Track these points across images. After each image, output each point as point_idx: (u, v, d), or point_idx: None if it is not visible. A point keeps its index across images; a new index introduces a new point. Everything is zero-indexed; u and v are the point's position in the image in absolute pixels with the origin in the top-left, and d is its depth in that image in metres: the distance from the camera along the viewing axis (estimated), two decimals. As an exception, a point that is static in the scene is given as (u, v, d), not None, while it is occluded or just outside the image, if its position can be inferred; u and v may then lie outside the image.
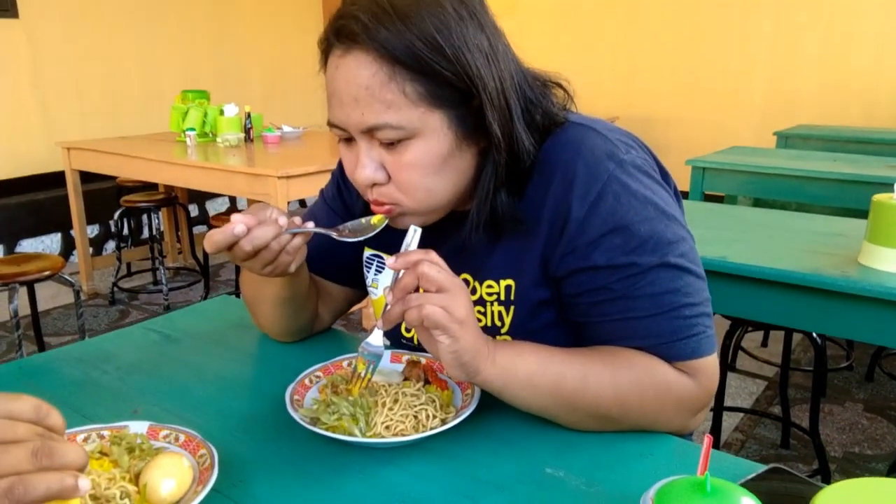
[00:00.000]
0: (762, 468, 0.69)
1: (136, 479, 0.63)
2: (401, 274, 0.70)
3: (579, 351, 0.79)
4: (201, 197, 5.01)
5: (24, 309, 2.68)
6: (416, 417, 0.76)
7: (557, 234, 0.79)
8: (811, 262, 1.47)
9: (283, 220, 0.78)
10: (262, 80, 5.52)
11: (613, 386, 0.76)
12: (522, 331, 0.84)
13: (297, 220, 0.81)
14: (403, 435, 0.73)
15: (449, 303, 0.68)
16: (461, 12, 0.73)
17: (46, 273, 2.41)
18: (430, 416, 0.76)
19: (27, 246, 4.25)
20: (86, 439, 0.70)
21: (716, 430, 2.16)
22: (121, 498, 0.60)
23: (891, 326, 1.39)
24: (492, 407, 0.80)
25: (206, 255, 3.44)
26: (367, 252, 0.98)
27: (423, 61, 0.71)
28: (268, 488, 0.69)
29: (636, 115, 5.36)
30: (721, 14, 5.14)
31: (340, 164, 1.01)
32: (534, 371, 0.75)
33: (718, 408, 2.14)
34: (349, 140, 0.78)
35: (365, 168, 0.76)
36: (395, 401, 0.77)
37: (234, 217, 0.76)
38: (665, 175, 0.86)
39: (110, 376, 0.94)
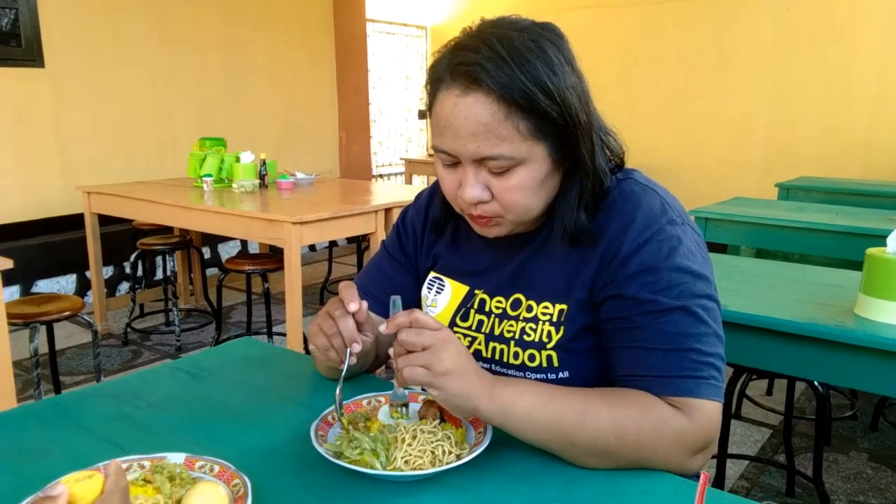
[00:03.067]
0: (756, 504, 0.74)
1: (177, 504, 0.69)
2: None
3: (580, 390, 0.86)
4: (213, 240, 5.10)
5: (41, 347, 2.74)
6: (433, 453, 0.81)
7: (606, 265, 0.90)
8: (808, 312, 1.53)
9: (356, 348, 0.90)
10: (274, 128, 5.67)
11: (612, 422, 0.82)
12: (565, 350, 0.93)
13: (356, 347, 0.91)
14: (421, 469, 0.79)
15: (430, 360, 0.78)
16: (559, 58, 0.85)
17: (66, 313, 2.48)
18: (446, 451, 0.81)
19: (43, 286, 4.33)
20: (128, 468, 0.76)
21: (720, 476, 2.18)
22: (166, 521, 0.66)
23: (889, 376, 1.44)
24: (504, 444, 0.86)
25: (218, 296, 3.50)
26: (432, 275, 1.08)
27: (535, 102, 0.82)
28: (295, 517, 0.74)
29: (640, 165, 5.44)
30: (722, 67, 5.30)
31: (402, 216, 1.14)
32: (532, 408, 0.82)
33: (722, 454, 2.17)
34: (454, 164, 0.89)
35: (473, 189, 0.88)
36: (414, 437, 0.82)
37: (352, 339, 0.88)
38: None
39: (143, 412, 1.00)
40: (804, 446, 2.63)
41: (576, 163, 0.90)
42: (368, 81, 6.42)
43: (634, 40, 5.69)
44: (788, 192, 3.91)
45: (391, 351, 0.83)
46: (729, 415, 2.25)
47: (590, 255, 0.92)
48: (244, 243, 5.31)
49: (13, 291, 4.18)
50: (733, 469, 2.47)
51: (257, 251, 5.05)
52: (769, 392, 3.12)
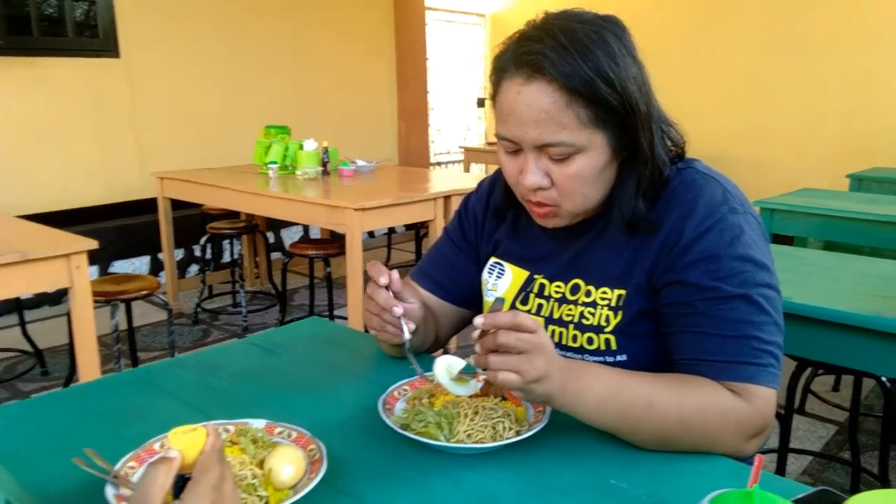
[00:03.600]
0: (811, 489, 0.75)
1: (260, 464, 0.75)
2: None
3: (645, 379, 0.88)
4: (277, 225, 5.26)
5: (121, 324, 2.90)
6: (493, 428, 0.85)
7: (666, 253, 0.92)
8: (877, 306, 1.50)
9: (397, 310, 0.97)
10: (336, 116, 5.79)
11: (678, 411, 0.84)
12: (623, 333, 0.96)
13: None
14: (483, 443, 0.83)
15: (524, 367, 0.79)
16: (621, 49, 0.88)
17: (144, 292, 2.63)
18: (507, 427, 0.85)
19: (119, 267, 4.56)
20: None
21: (780, 470, 2.15)
22: (252, 478, 0.72)
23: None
24: (562, 423, 0.89)
25: (283, 280, 3.63)
26: (493, 260, 1.12)
27: (596, 91, 0.85)
28: (366, 482, 0.79)
29: (705, 155, 5.33)
30: (792, 53, 5.12)
31: (464, 202, 1.19)
32: (601, 400, 0.84)
33: (784, 448, 2.14)
34: (516, 152, 0.93)
35: (533, 175, 0.91)
36: (476, 413, 0.87)
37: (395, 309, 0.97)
38: None
39: (223, 382, 1.07)
40: (870, 444, 2.56)
41: (635, 152, 0.92)
42: (427, 70, 6.47)
43: (700, 26, 5.56)
44: (860, 183, 3.77)
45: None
46: (791, 409, 2.22)
47: (649, 242, 0.94)
48: (306, 228, 5.45)
49: (92, 271, 4.42)
50: (796, 464, 2.43)
51: (318, 236, 5.19)
52: (836, 388, 3.05)
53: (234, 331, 3.83)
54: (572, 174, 0.90)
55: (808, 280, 1.73)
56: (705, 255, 0.89)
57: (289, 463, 0.74)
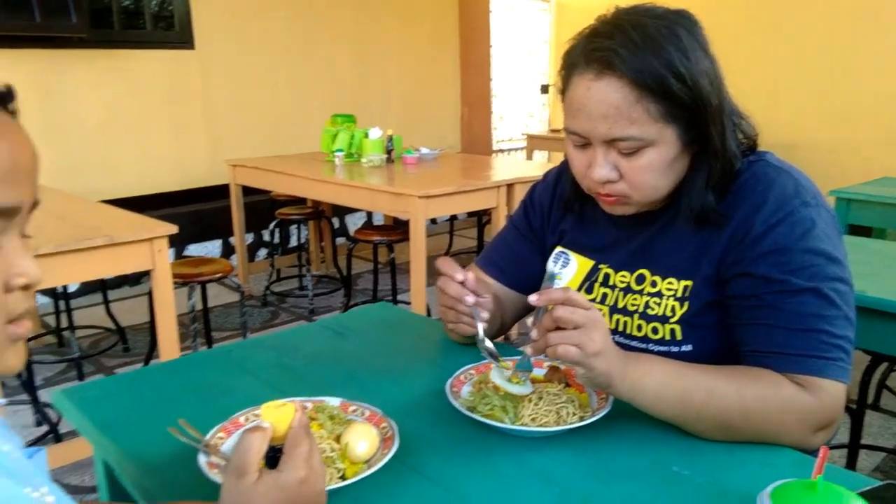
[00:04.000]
0: (878, 483, 0.75)
1: (337, 439, 0.80)
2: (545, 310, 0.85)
3: (706, 368, 0.89)
4: (341, 211, 5.38)
5: (196, 305, 3.04)
6: (557, 413, 0.88)
7: (735, 245, 0.92)
8: (957, 300, 1.45)
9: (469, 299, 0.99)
10: (399, 104, 5.86)
11: (738, 400, 0.85)
12: (689, 324, 0.96)
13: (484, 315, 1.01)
14: (547, 427, 0.86)
15: (582, 339, 0.81)
16: (692, 43, 0.89)
17: (218, 275, 2.75)
18: (570, 413, 0.88)
19: (193, 250, 4.76)
20: (293, 408, 0.89)
21: (851, 466, 2.10)
22: (330, 451, 0.77)
23: None
24: (625, 410, 0.91)
25: (348, 264, 3.72)
26: (558, 249, 1.14)
27: (667, 87, 0.86)
28: (436, 460, 0.84)
29: (778, 142, 5.17)
30: (876, 36, 4.88)
31: (531, 192, 1.21)
32: (661, 387, 0.86)
33: (855, 444, 2.09)
34: (584, 145, 0.94)
35: (602, 168, 0.92)
36: (540, 398, 0.90)
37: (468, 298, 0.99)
38: None
39: (298, 363, 1.13)
40: (949, 444, 2.46)
41: (705, 145, 0.92)
42: (490, 57, 6.45)
43: (777, 7, 5.35)
44: (946, 171, 3.58)
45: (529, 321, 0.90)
46: (864, 404, 2.15)
47: (718, 234, 0.94)
48: (369, 214, 5.55)
49: (169, 254, 4.63)
50: (867, 461, 2.36)
51: (382, 222, 5.28)
52: (912, 385, 2.93)
53: (301, 313, 3.95)
54: (641, 167, 0.91)
55: (884, 273, 1.68)
56: (775, 247, 0.89)
57: (363, 439, 0.79)
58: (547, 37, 7.40)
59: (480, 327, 0.99)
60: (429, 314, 3.33)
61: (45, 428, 2.54)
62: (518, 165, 4.30)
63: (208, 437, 0.82)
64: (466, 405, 0.91)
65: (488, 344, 0.99)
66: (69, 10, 3.94)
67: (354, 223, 5.53)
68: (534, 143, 6.32)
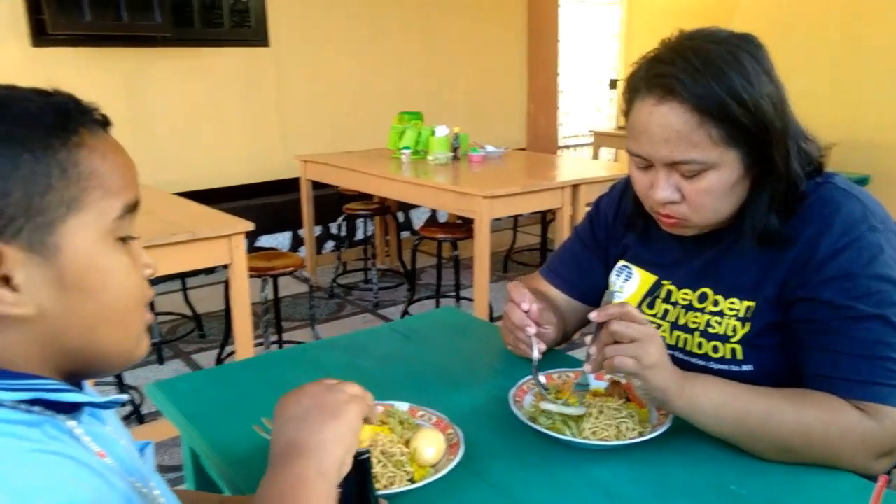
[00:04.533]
0: (941, 515, 0.75)
1: (406, 443, 0.86)
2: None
3: (765, 389, 0.90)
4: (407, 205, 5.47)
5: (267, 296, 3.18)
6: (617, 428, 0.91)
7: (800, 268, 0.93)
8: None
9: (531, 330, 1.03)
10: (466, 100, 5.89)
11: (797, 422, 0.86)
12: (750, 345, 0.98)
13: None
14: (607, 440, 0.89)
15: (638, 352, 0.85)
16: (755, 68, 0.90)
17: (290, 269, 2.87)
18: (630, 428, 0.91)
19: (264, 241, 4.94)
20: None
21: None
22: (400, 455, 0.83)
23: None
24: (684, 427, 0.93)
25: (413, 260, 3.80)
26: (621, 263, 1.17)
27: (728, 112, 0.88)
28: (499, 468, 0.88)
29: (859, 142, 4.97)
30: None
31: (596, 204, 1.24)
32: (718, 405, 0.88)
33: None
34: (646, 167, 0.97)
35: (664, 190, 0.95)
36: (601, 412, 0.93)
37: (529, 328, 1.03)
38: None
39: (369, 364, 1.20)
40: None
41: (768, 168, 0.93)
42: (558, 52, 6.41)
43: (856, 27, 5.11)
44: None
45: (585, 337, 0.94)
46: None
47: (782, 255, 0.95)
48: (433, 209, 5.63)
49: (242, 245, 4.82)
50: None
51: (446, 217, 5.34)
52: None
53: (366, 306, 4.06)
54: (703, 189, 0.92)
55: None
56: (840, 273, 0.89)
57: (431, 445, 0.84)
58: (616, 31, 7.29)
59: (535, 358, 1.02)
60: (491, 312, 3.38)
61: (129, 409, 2.71)
62: (584, 165, 4.28)
63: (289, 435, 0.89)
64: (528, 415, 0.95)
65: (541, 378, 1.03)
66: (154, 10, 4.15)
67: (419, 217, 5.61)
68: (601, 139, 6.26)
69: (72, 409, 0.57)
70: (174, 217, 2.44)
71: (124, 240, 0.59)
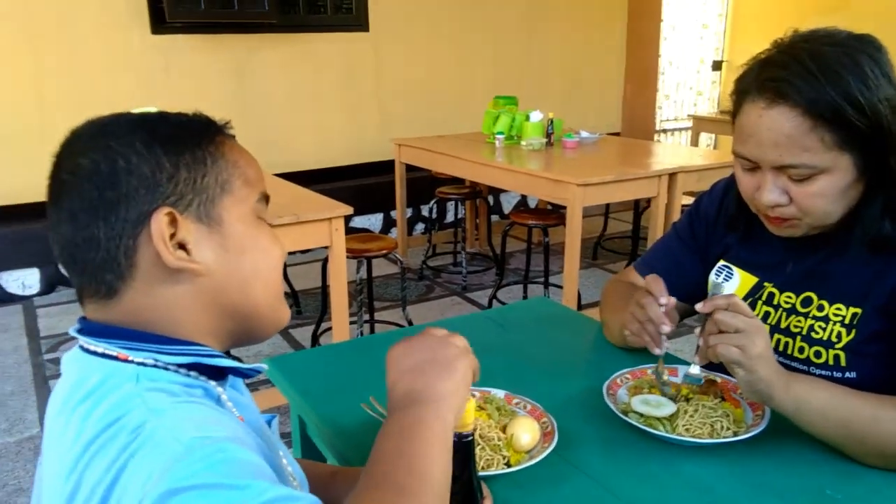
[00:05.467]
0: None
1: (503, 429, 0.91)
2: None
3: (874, 395, 0.89)
4: (497, 189, 5.50)
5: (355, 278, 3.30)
6: (711, 426, 0.92)
7: None
8: None
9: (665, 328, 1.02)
10: (561, 82, 5.83)
11: None
12: (854, 352, 0.97)
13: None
14: (700, 438, 0.91)
15: (744, 342, 0.85)
16: (874, 71, 0.88)
17: (384, 252, 2.97)
18: (724, 427, 0.92)
19: (357, 222, 5.10)
20: (463, 395, 1.00)
21: None
22: (497, 440, 0.88)
23: None
24: (780, 430, 0.93)
25: (502, 244, 3.84)
26: (721, 262, 1.16)
27: (843, 116, 0.87)
28: (592, 458, 0.92)
29: None
30: None
31: (697, 202, 1.23)
32: (826, 404, 0.87)
33: None
34: (753, 168, 0.96)
35: (771, 193, 0.94)
36: (696, 410, 0.94)
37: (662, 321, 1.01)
38: None
39: (465, 350, 1.25)
40: None
41: (883, 172, 0.91)
42: (660, 32, 6.21)
43: None
44: None
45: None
46: None
47: (894, 263, 0.93)
48: (524, 194, 5.62)
49: (337, 225, 5.00)
50: None
51: (536, 202, 5.33)
52: None
53: (454, 289, 4.13)
54: (813, 193, 0.91)
55: None
56: None
57: (527, 431, 0.89)
58: (723, 9, 6.98)
59: (662, 352, 1.02)
60: (579, 299, 3.37)
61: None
62: (682, 153, 4.16)
63: (394, 414, 0.96)
64: (622, 408, 0.97)
65: (666, 377, 1.03)
66: (262, -2, 4.34)
67: (509, 202, 5.63)
68: (700, 125, 6.05)
69: (218, 377, 0.66)
70: (279, 200, 2.57)
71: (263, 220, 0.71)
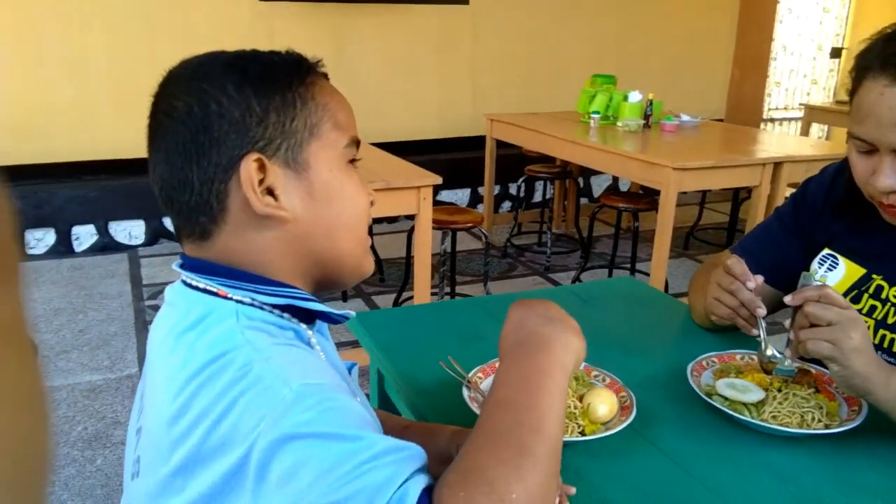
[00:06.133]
0: None
1: (580, 398, 0.89)
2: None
3: None
4: (588, 171, 5.38)
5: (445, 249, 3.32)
6: (801, 417, 0.88)
7: None
8: None
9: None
10: (663, 63, 5.62)
11: None
12: None
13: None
14: (787, 427, 0.86)
15: (837, 336, 0.80)
16: None
17: (469, 225, 2.98)
18: (815, 419, 0.87)
19: (444, 196, 5.13)
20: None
21: None
22: (573, 408, 0.87)
23: None
24: (877, 428, 0.88)
25: (590, 227, 3.77)
26: (825, 251, 1.11)
27: None
28: (670, 436, 0.89)
29: None
30: None
31: (804, 186, 1.16)
32: None
33: None
34: (869, 152, 0.91)
35: (888, 178, 0.89)
36: (785, 398, 0.90)
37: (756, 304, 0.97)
38: None
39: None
40: None
41: None
42: (776, 13, 5.87)
43: None
44: None
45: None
46: None
47: None
48: (615, 178, 5.49)
49: (425, 197, 5.04)
50: None
51: (628, 187, 5.19)
52: None
53: (537, 269, 4.10)
54: None
55: None
56: None
57: (604, 403, 0.87)
58: (847, -7, 6.53)
59: (763, 335, 0.97)
60: (667, 288, 3.27)
61: (317, 336, 3.00)
62: (789, 142, 3.94)
63: (470, 374, 0.96)
64: (706, 391, 0.94)
65: (770, 351, 0.96)
66: (359, -34, 4.39)
67: (599, 185, 5.51)
68: (813, 114, 5.69)
69: (307, 321, 0.68)
70: (371, 166, 2.62)
71: (352, 162, 0.71)
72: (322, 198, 0.67)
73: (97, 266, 3.88)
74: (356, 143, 0.71)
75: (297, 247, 0.67)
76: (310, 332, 0.68)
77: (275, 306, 0.65)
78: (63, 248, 4.06)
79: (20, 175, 3.98)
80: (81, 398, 2.50)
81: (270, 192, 0.64)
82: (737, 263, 0.99)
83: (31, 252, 3.99)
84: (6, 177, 0.25)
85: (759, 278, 0.97)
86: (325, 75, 0.72)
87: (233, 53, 0.67)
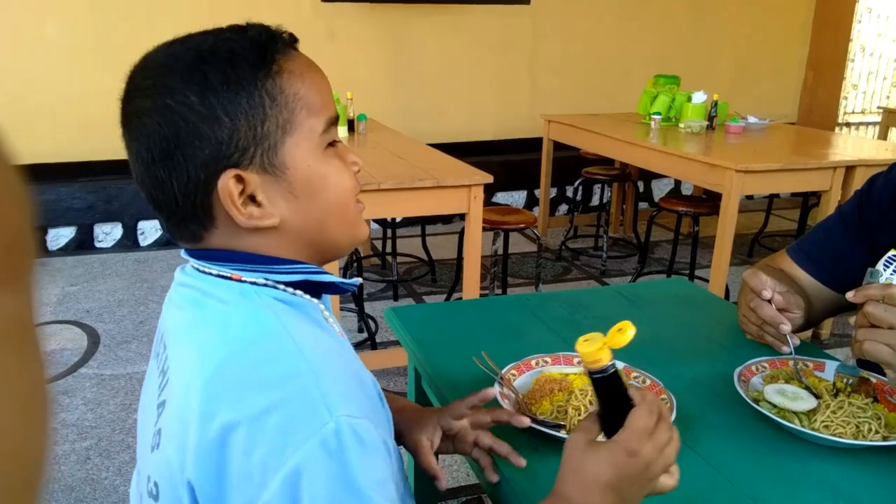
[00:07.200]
0: None
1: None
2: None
3: None
4: (648, 175, 5.25)
5: (497, 251, 3.29)
6: (857, 427, 0.81)
7: None
8: None
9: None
10: (731, 64, 5.43)
11: None
12: None
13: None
14: (840, 437, 0.80)
15: (894, 340, 0.73)
16: None
17: (522, 226, 2.93)
18: (873, 430, 0.81)
19: (500, 198, 5.09)
20: (579, 363, 0.96)
21: None
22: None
23: None
24: (945, 444, 0.80)
25: (647, 232, 3.66)
26: (892, 252, 1.04)
27: None
28: (712, 441, 0.84)
29: None
30: None
31: (869, 183, 1.10)
32: None
33: None
34: None
35: None
36: (840, 407, 0.83)
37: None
38: None
39: (588, 321, 1.20)
40: None
41: None
42: (855, 12, 5.59)
43: None
44: None
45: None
46: None
47: None
48: (677, 182, 5.33)
49: (480, 199, 5.02)
50: None
51: (690, 191, 5.04)
52: None
53: (592, 273, 4.01)
54: None
55: None
56: None
57: (641, 404, 0.82)
58: (931, -9, 6.17)
59: (791, 351, 0.93)
60: (727, 295, 3.15)
61: (364, 335, 3.01)
62: (864, 145, 3.74)
63: (504, 371, 0.93)
64: (754, 397, 0.88)
65: (799, 367, 0.92)
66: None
67: (660, 189, 5.36)
68: (891, 118, 5.41)
69: (317, 295, 0.68)
70: (422, 164, 2.61)
71: (332, 144, 0.68)
72: (305, 194, 0.65)
73: (160, 260, 4.02)
74: (334, 122, 0.68)
75: (291, 241, 0.67)
76: (322, 306, 0.68)
77: (288, 283, 0.65)
78: (129, 241, 4.22)
79: (91, 171, 4.15)
80: (139, 387, 2.57)
81: (253, 198, 0.63)
82: (752, 276, 0.94)
83: (99, 245, 4.16)
84: (26, 174, 0.24)
85: (778, 291, 0.92)
86: (292, 41, 0.68)
87: (191, 53, 0.63)
